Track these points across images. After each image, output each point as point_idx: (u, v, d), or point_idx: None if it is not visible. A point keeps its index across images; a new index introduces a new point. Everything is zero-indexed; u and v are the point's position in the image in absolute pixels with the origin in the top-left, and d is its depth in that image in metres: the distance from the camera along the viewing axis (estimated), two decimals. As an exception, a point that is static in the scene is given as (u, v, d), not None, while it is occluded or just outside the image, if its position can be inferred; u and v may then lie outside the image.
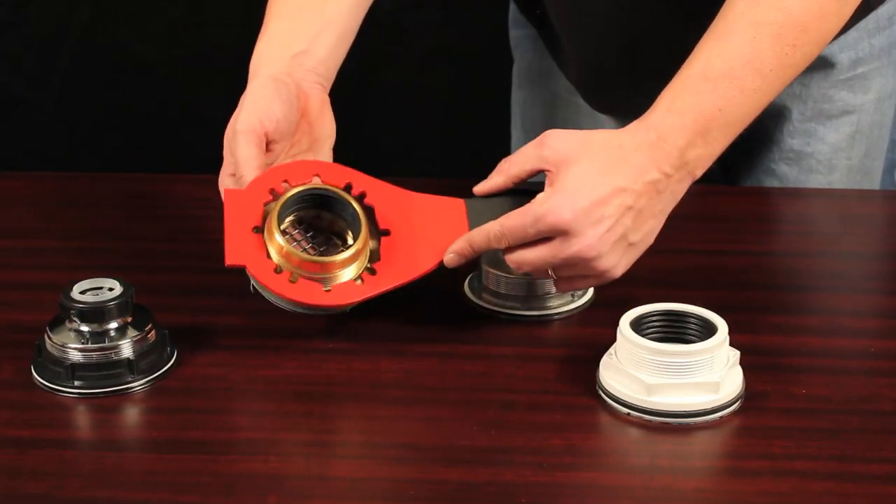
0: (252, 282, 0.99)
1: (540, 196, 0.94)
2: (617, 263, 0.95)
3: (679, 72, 0.97)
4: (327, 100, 1.07)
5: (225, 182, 1.02)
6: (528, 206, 0.94)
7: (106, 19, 2.15)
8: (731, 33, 0.96)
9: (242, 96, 1.03)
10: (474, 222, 0.98)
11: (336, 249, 0.99)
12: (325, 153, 1.07)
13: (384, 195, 0.98)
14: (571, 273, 0.96)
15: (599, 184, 0.93)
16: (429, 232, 0.98)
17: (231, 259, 0.92)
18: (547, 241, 0.94)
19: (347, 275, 0.97)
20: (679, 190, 0.96)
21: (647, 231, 0.96)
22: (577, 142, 0.95)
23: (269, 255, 0.96)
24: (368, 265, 0.96)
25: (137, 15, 2.15)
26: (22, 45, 2.17)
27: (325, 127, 1.07)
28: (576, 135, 0.95)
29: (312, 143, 1.06)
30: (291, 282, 0.92)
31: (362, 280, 0.95)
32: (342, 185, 0.98)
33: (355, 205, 0.99)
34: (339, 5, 1.09)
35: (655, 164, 0.94)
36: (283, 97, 1.02)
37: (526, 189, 0.98)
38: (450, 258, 0.97)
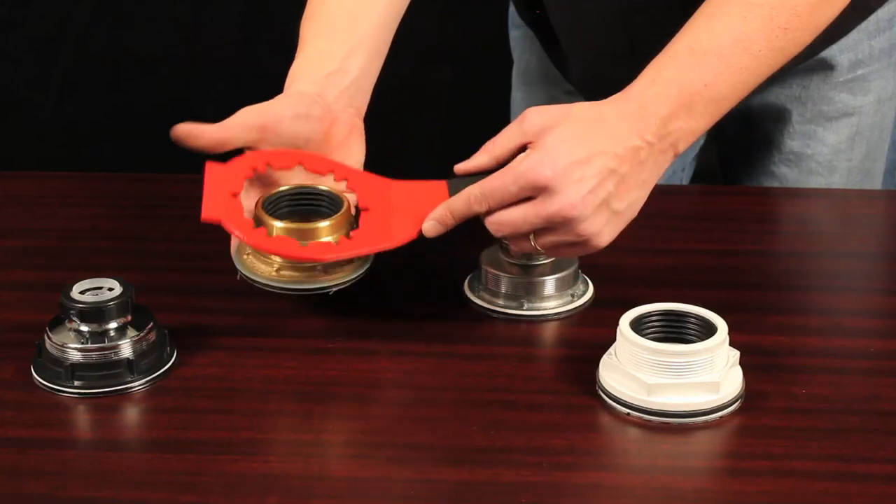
0: (240, 270, 0.99)
1: (520, 156, 0.94)
2: (601, 230, 0.93)
3: (667, 46, 0.96)
4: (359, 125, 1.06)
5: None
6: (507, 166, 0.93)
7: (106, 19, 2.16)
8: (721, 12, 0.95)
9: None
10: None
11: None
12: None
13: (366, 182, 0.98)
14: (554, 238, 0.94)
15: (579, 145, 0.92)
16: (409, 209, 0.98)
17: (207, 213, 0.92)
18: (527, 201, 0.93)
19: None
20: (661, 162, 0.95)
21: (632, 201, 0.95)
22: (556, 112, 0.94)
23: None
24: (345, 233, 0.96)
25: (137, 14, 2.15)
26: (22, 45, 2.17)
27: (351, 153, 1.05)
28: (556, 107, 0.95)
29: None
30: (268, 236, 0.92)
31: (337, 241, 0.94)
32: (324, 174, 0.98)
33: (337, 191, 1.00)
34: (371, 22, 1.08)
35: (636, 131, 0.93)
36: (300, 110, 1.01)
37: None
38: (429, 225, 0.96)
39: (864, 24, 1.22)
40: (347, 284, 0.99)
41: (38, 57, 2.18)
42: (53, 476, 0.84)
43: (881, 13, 1.23)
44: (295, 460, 0.85)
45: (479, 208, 0.94)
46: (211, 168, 0.97)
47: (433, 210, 0.96)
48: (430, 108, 2.20)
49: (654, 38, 1.19)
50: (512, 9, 1.39)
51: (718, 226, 1.18)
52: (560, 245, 0.95)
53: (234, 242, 1.02)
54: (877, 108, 1.27)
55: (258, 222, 0.98)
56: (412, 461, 0.86)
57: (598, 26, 1.21)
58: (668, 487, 0.83)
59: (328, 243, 0.93)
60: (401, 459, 0.86)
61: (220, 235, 1.03)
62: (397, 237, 0.96)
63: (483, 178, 0.96)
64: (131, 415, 0.92)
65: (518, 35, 1.40)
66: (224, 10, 2.16)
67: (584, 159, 0.91)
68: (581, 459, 0.86)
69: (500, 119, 1.51)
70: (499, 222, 0.94)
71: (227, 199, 0.93)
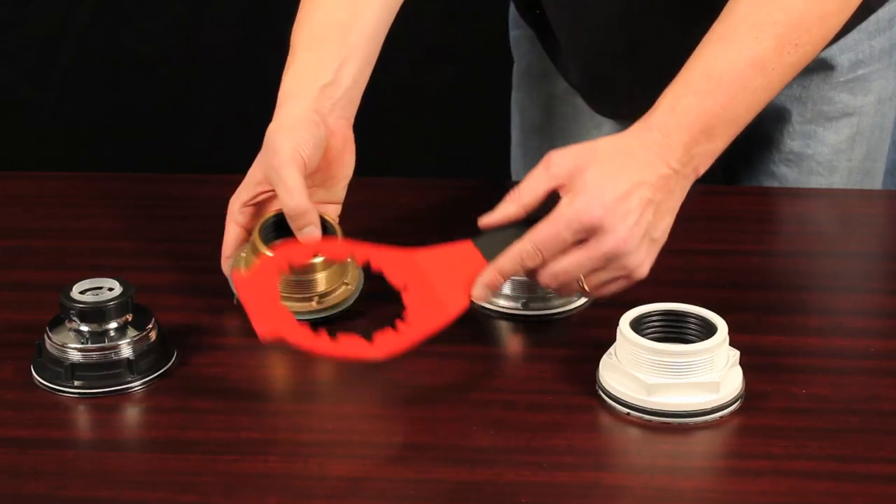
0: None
1: (563, 202, 0.93)
2: (644, 261, 0.94)
3: (681, 72, 0.96)
4: (350, 137, 1.06)
5: (228, 246, 1.03)
6: (552, 215, 0.92)
7: (106, 19, 2.16)
8: (733, 35, 0.96)
9: (270, 130, 1.02)
10: (491, 256, 0.95)
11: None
12: (338, 191, 1.06)
13: (390, 258, 0.96)
14: (603, 277, 0.94)
15: (618, 180, 0.92)
16: (448, 278, 0.95)
17: (265, 333, 0.88)
18: (579, 245, 0.93)
19: (326, 282, 0.99)
20: (685, 186, 0.96)
21: (665, 228, 0.95)
22: (582, 151, 0.94)
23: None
24: (397, 319, 0.94)
25: (137, 14, 2.15)
26: (22, 45, 2.17)
27: (343, 167, 1.06)
28: (579, 146, 0.95)
29: (327, 179, 1.06)
30: (331, 339, 0.89)
31: (398, 330, 0.92)
32: (345, 259, 0.96)
33: (330, 221, 1.01)
34: (362, 32, 1.08)
35: (663, 160, 0.94)
36: (317, 139, 1.02)
37: (528, 219, 0.96)
38: (479, 292, 0.94)
39: (864, 25, 1.22)
40: (340, 312, 1.00)
41: (38, 57, 2.18)
42: (53, 476, 0.84)
43: (881, 13, 1.23)
44: (295, 460, 0.85)
45: (533, 263, 0.93)
46: (241, 284, 0.92)
47: (480, 275, 0.94)
48: (430, 108, 2.20)
49: (654, 39, 1.19)
50: (513, 9, 1.39)
51: (718, 226, 1.18)
52: (608, 282, 0.94)
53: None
54: (877, 108, 1.27)
55: (254, 250, 0.99)
56: (412, 461, 0.86)
57: (598, 27, 1.21)
58: (668, 487, 0.83)
59: (393, 335, 0.90)
60: (401, 459, 0.86)
61: (220, 235, 1.03)
62: (450, 310, 0.93)
63: (508, 229, 0.95)
64: (131, 415, 0.92)
65: (519, 35, 1.39)
66: (224, 10, 2.15)
67: (625, 193, 0.92)
68: (581, 459, 0.86)
69: (500, 119, 1.51)
70: (555, 273, 0.93)
71: (274, 312, 0.90)
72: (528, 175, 0.95)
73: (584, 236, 0.92)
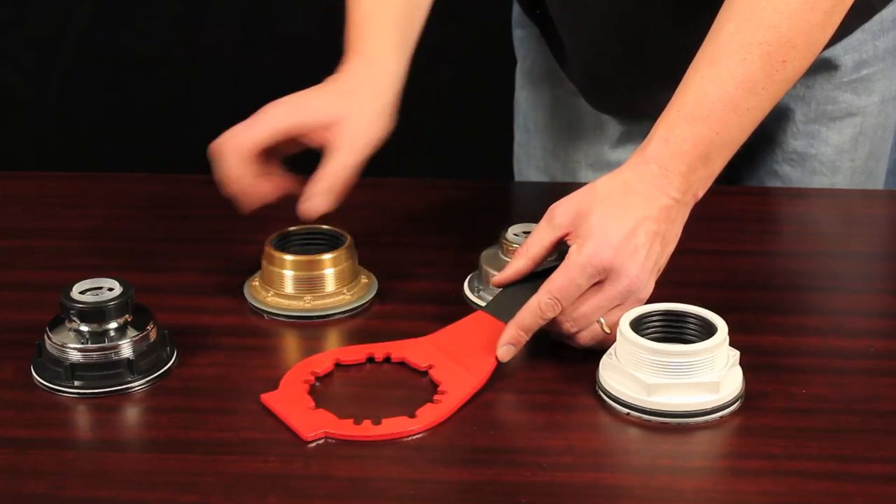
0: (265, 311, 1.02)
1: (572, 249, 0.93)
2: (651, 289, 0.95)
3: (672, 100, 0.97)
4: None
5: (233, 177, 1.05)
6: (564, 264, 0.93)
7: (106, 19, 2.16)
8: (721, 57, 0.96)
9: (361, 95, 1.06)
10: (504, 317, 0.96)
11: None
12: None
13: (408, 347, 0.97)
14: (620, 312, 0.94)
15: (622, 218, 0.93)
16: (469, 348, 0.96)
17: (307, 434, 0.87)
18: (595, 288, 0.93)
19: (334, 281, 1.02)
20: (685, 213, 0.97)
21: (669, 254, 0.96)
22: (582, 197, 0.95)
23: (278, 281, 1.02)
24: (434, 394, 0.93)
25: (137, 14, 2.15)
26: (22, 45, 2.17)
27: None
28: (578, 192, 0.96)
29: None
30: (375, 425, 0.89)
31: (436, 402, 0.91)
32: (363, 360, 0.96)
33: (340, 232, 1.05)
34: (420, 20, 1.15)
35: (663, 191, 0.95)
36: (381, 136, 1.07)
37: (535, 273, 0.97)
38: (504, 350, 0.94)
39: (868, 25, 1.22)
40: (364, 306, 1.04)
41: (38, 57, 2.18)
42: (53, 476, 0.84)
43: (885, 13, 1.23)
44: (295, 460, 0.85)
45: (553, 313, 0.94)
46: (273, 402, 0.91)
47: (502, 334, 0.94)
48: (430, 108, 2.19)
49: (654, 39, 1.19)
50: (516, 9, 1.39)
51: (718, 226, 1.18)
52: (620, 316, 0.94)
53: (245, 289, 1.05)
54: (881, 108, 1.27)
55: (269, 258, 1.02)
56: (412, 461, 0.86)
57: (597, 27, 1.21)
58: (668, 487, 0.83)
59: (432, 407, 0.90)
60: (401, 459, 0.86)
61: (221, 235, 1.03)
62: (480, 375, 0.93)
63: (516, 288, 0.96)
64: (131, 415, 0.92)
65: (523, 35, 1.39)
66: (224, 10, 2.15)
67: (632, 230, 0.93)
68: (581, 459, 0.86)
69: (500, 119, 1.51)
70: (575, 319, 0.94)
71: (311, 414, 0.89)
72: (534, 229, 0.97)
73: (599, 279, 0.93)
